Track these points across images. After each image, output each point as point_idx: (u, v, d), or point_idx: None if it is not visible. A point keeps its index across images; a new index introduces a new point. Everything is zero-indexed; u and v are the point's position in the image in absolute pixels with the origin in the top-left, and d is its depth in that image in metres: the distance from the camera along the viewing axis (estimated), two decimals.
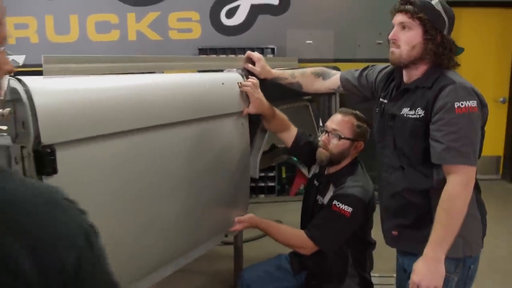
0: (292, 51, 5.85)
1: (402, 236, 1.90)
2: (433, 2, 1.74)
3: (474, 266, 1.83)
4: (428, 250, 1.69)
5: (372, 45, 5.59)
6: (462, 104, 1.66)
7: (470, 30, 6.05)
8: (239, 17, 5.92)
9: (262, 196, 5.86)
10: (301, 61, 5.71)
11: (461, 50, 1.81)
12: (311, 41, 5.90)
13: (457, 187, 1.66)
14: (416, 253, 1.80)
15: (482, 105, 1.71)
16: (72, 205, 0.72)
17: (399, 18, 1.77)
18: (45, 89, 1.24)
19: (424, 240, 1.75)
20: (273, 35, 5.85)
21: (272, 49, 5.72)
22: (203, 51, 5.73)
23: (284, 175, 6.01)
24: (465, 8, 5.94)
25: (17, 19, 5.91)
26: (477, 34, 6.08)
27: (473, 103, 1.67)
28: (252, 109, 2.14)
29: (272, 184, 5.89)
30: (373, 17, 5.52)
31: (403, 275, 1.97)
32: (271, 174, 5.86)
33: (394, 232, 1.92)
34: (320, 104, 3.47)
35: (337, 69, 3.12)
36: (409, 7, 1.73)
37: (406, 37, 1.75)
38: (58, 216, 0.70)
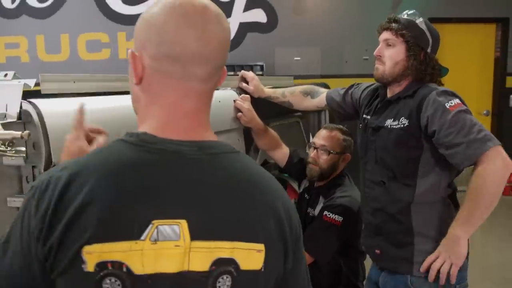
0: (280, 68, 5.98)
1: (384, 255, 1.93)
2: (417, 21, 1.83)
3: (461, 285, 1.83)
4: (454, 228, 1.71)
5: (359, 61, 5.73)
6: (451, 102, 1.73)
7: (453, 45, 6.23)
8: None
9: None
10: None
11: (445, 70, 1.90)
12: (299, 58, 6.04)
13: (498, 169, 1.65)
14: (396, 272, 1.86)
15: (465, 105, 1.77)
16: None
17: (384, 35, 1.86)
18: (56, 111, 1.31)
19: (406, 260, 1.81)
20: (262, 52, 5.98)
21: (261, 66, 5.83)
22: None
23: None
24: (447, 24, 6.13)
25: (8, 39, 5.97)
26: (460, 49, 6.27)
27: (458, 101, 1.74)
28: (243, 120, 2.21)
29: None
30: (359, 33, 5.67)
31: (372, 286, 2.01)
32: None
33: (377, 251, 1.95)
34: (310, 120, 3.56)
35: (326, 85, 3.24)
36: (394, 25, 1.82)
37: (390, 54, 1.83)
38: (283, 190, 0.94)
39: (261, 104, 2.36)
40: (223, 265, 0.81)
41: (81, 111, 1.06)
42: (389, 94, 1.92)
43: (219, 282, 0.81)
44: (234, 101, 2.21)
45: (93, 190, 0.78)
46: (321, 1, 6.03)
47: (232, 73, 5.86)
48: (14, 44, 5.98)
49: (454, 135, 1.68)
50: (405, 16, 1.85)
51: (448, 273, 1.73)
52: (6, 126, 1.23)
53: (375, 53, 1.88)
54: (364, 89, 2.12)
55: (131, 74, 0.89)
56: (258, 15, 6.02)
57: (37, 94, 1.41)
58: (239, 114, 2.18)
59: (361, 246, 2.22)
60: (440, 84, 1.90)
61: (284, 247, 0.89)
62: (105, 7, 5.93)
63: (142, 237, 0.77)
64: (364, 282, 2.11)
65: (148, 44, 0.85)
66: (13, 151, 1.09)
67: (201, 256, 0.80)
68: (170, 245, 0.78)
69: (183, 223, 0.79)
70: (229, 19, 6.00)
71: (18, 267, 0.82)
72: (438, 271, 1.74)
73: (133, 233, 0.78)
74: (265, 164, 3.22)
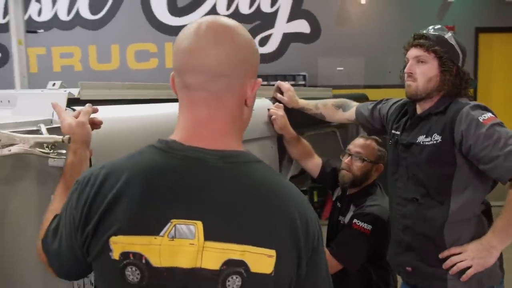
0: (323, 78, 6.02)
1: (417, 273, 1.89)
2: (446, 36, 1.81)
3: None
4: (490, 236, 1.70)
5: None
6: (484, 116, 1.70)
7: (502, 54, 6.08)
8: (271, 45, 6.14)
9: None
10: (332, 87, 5.88)
11: (474, 82, 1.89)
12: (342, 68, 6.05)
13: None
14: None
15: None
16: None
17: (414, 52, 1.83)
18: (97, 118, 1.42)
19: (439, 278, 1.78)
20: (304, 62, 6.04)
21: (304, 76, 5.89)
22: None
23: (316, 199, 6.07)
24: (497, 33, 6.00)
25: (63, 49, 6.31)
26: (509, 57, 6.10)
27: (491, 114, 1.72)
28: (276, 127, 2.26)
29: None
30: (403, 43, 5.60)
31: None
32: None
33: (408, 268, 1.91)
34: (348, 130, 3.58)
35: (365, 96, 3.25)
36: (423, 41, 1.80)
37: (422, 70, 1.81)
38: (305, 200, 0.99)
39: (296, 113, 2.42)
40: (233, 266, 0.87)
41: (90, 106, 1.27)
42: (419, 111, 1.90)
43: (228, 281, 0.87)
44: (268, 109, 2.28)
45: (123, 188, 0.89)
46: (364, 11, 6.03)
47: (273, 83, 5.96)
48: (68, 54, 6.32)
49: (491, 148, 1.66)
50: (433, 32, 1.83)
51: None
52: (52, 130, 1.35)
53: (406, 70, 1.86)
54: (392, 104, 2.10)
55: None
56: (302, 26, 6.09)
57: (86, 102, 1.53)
58: (273, 117, 2.24)
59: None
60: (470, 96, 1.88)
61: (298, 255, 0.93)
62: (153, 18, 6.17)
63: (161, 234, 0.86)
64: None
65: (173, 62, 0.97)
66: (55, 154, 1.20)
67: (213, 255, 0.87)
68: (185, 243, 0.86)
69: (199, 224, 0.86)
70: (273, 30, 6.11)
71: (65, 250, 0.97)
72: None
73: (154, 229, 0.86)
74: (303, 173, 3.26)
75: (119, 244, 0.87)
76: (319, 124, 2.82)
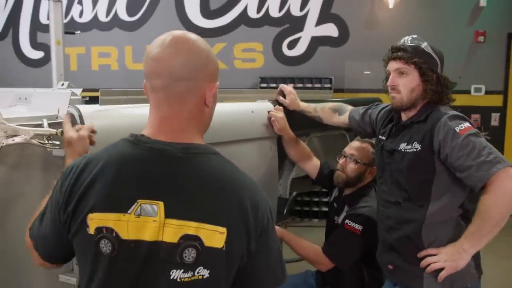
0: (350, 81, 6.07)
1: (397, 271, 2.00)
2: (423, 46, 1.88)
3: None
4: (463, 240, 1.78)
5: None
6: (461, 126, 1.79)
7: None
8: (300, 48, 6.24)
9: (316, 220, 6.03)
10: (359, 91, 5.94)
11: (454, 85, 1.95)
12: (369, 72, 6.08)
13: (507, 190, 1.69)
14: (409, 286, 1.94)
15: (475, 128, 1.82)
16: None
17: (394, 65, 1.90)
18: (95, 115, 1.60)
19: (417, 276, 1.88)
20: (332, 65, 6.10)
21: (330, 79, 5.95)
22: (264, 80, 6.08)
23: None
24: None
25: (101, 49, 6.64)
26: None
27: (468, 124, 1.80)
28: (276, 127, 2.39)
29: (326, 209, 6.04)
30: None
31: None
32: (325, 199, 6.03)
33: (390, 266, 2.02)
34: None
35: (379, 99, 3.32)
36: (401, 53, 1.87)
37: (404, 82, 1.88)
38: (257, 188, 1.15)
39: (301, 115, 2.55)
40: (189, 240, 1.03)
41: (91, 123, 1.50)
42: (403, 118, 1.98)
43: (185, 253, 1.03)
44: (268, 111, 2.41)
45: (98, 173, 1.07)
46: (392, 15, 6.04)
47: (301, 85, 6.07)
48: (106, 53, 6.64)
49: (465, 158, 1.74)
50: (409, 43, 1.89)
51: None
52: (55, 125, 1.54)
53: (389, 83, 1.93)
54: (381, 110, 2.19)
55: None
56: (330, 29, 6.16)
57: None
58: (272, 119, 2.38)
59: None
60: (452, 101, 1.94)
61: (247, 233, 1.09)
62: (187, 20, 6.40)
63: (129, 211, 1.04)
64: None
65: None
66: (51, 144, 1.39)
67: (172, 230, 1.03)
68: (149, 220, 1.03)
69: (161, 204, 1.04)
70: (301, 33, 6.21)
71: (50, 231, 1.14)
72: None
73: (123, 207, 1.04)
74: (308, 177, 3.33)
75: (94, 220, 1.04)
76: (327, 126, 2.92)
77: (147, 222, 1.03)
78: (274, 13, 6.25)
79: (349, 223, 2.29)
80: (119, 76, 6.46)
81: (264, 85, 6.00)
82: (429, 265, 1.83)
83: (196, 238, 1.04)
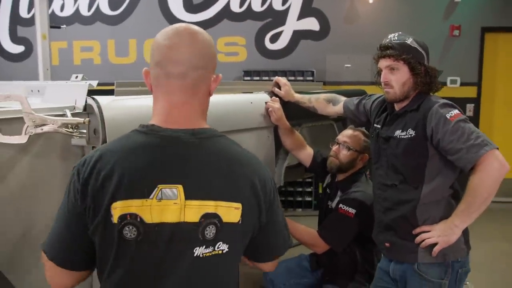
0: (331, 74, 6.22)
1: (393, 248, 2.14)
2: (408, 42, 2.02)
3: (462, 270, 2.05)
4: (453, 217, 1.94)
5: None
6: (451, 113, 1.94)
7: (507, 53, 6.22)
8: (282, 42, 6.36)
9: (300, 210, 6.18)
10: (340, 83, 6.10)
11: (440, 72, 2.10)
12: (349, 65, 6.25)
13: (493, 170, 1.84)
14: (404, 261, 2.08)
15: (464, 114, 1.98)
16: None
17: (384, 62, 2.05)
18: (112, 106, 1.69)
19: (411, 251, 2.03)
20: (313, 59, 6.24)
21: (312, 72, 6.09)
22: (247, 73, 6.18)
23: (320, 191, 6.30)
24: (502, 33, 6.13)
25: (84, 43, 6.62)
26: None
27: (457, 111, 1.96)
28: (273, 118, 2.51)
29: (309, 199, 6.21)
30: None
31: (384, 276, 2.22)
32: (308, 190, 6.19)
33: (387, 244, 2.16)
34: (347, 123, 3.80)
35: (363, 91, 3.47)
36: (390, 51, 2.01)
37: (396, 78, 2.03)
38: (262, 164, 1.26)
39: (294, 106, 2.67)
40: (209, 218, 1.12)
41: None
42: (396, 108, 2.13)
43: (206, 230, 1.12)
44: (266, 102, 2.53)
45: (115, 163, 1.11)
46: (372, 10, 6.21)
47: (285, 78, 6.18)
48: (88, 47, 6.63)
49: (455, 142, 1.90)
50: (396, 40, 2.04)
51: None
52: (74, 115, 1.62)
53: (382, 79, 2.08)
54: (374, 100, 2.34)
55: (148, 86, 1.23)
56: (311, 23, 6.29)
57: (109, 92, 1.80)
58: (270, 109, 2.50)
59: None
60: (441, 88, 2.10)
61: (258, 207, 1.20)
62: (170, 14, 6.44)
63: (151, 197, 1.09)
64: (376, 271, 2.32)
65: (150, 60, 1.19)
66: (78, 133, 1.48)
67: (193, 211, 1.11)
68: (170, 203, 1.10)
69: (180, 187, 1.10)
70: (283, 27, 6.33)
71: (66, 228, 1.15)
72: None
73: (144, 193, 1.09)
74: (301, 164, 3.47)
75: (118, 209, 1.08)
76: (316, 116, 3.05)
77: (168, 205, 1.09)
78: (257, 7, 6.34)
79: (343, 207, 2.43)
80: (102, 70, 6.46)
81: (248, 78, 6.10)
82: (423, 240, 1.99)
83: (215, 216, 1.12)
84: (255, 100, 2.48)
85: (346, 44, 6.23)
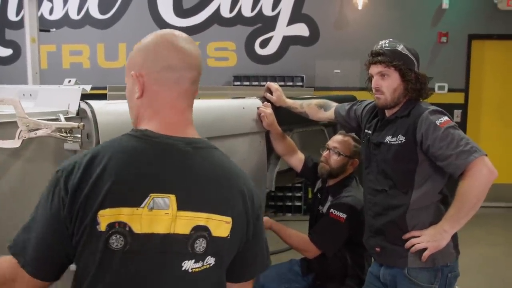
0: (320, 80, 6.26)
1: (383, 252, 2.16)
2: (399, 48, 2.04)
3: (452, 274, 2.07)
4: (443, 222, 1.96)
5: None
6: (441, 120, 1.97)
7: (493, 61, 6.32)
8: (272, 48, 6.39)
9: (289, 214, 6.19)
10: (329, 89, 6.14)
11: (430, 79, 2.12)
12: (338, 71, 6.29)
13: (482, 176, 1.87)
14: (394, 266, 2.10)
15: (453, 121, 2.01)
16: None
17: (375, 69, 2.07)
18: (105, 111, 1.69)
19: (401, 256, 2.05)
20: (303, 64, 6.28)
21: (302, 78, 6.12)
22: (237, 78, 6.20)
23: (310, 196, 6.33)
24: (488, 40, 6.23)
25: (73, 47, 6.59)
26: (500, 64, 6.35)
27: (447, 118, 1.99)
28: (265, 123, 2.52)
29: (299, 204, 6.23)
30: None
31: (374, 280, 2.23)
32: (298, 195, 6.21)
33: (377, 249, 2.18)
34: (338, 128, 3.82)
35: (353, 97, 3.50)
36: (381, 58, 2.03)
37: (387, 84, 2.05)
38: (249, 178, 1.23)
39: (285, 112, 2.69)
40: (200, 230, 1.08)
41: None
42: (387, 114, 2.15)
43: (196, 243, 1.08)
44: (258, 108, 2.54)
45: (106, 168, 1.05)
46: (361, 16, 6.27)
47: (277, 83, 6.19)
48: (77, 51, 6.60)
49: (445, 148, 1.93)
50: (387, 46, 2.06)
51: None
52: (68, 120, 1.62)
53: (373, 85, 2.10)
54: (365, 106, 2.36)
55: (131, 90, 1.17)
56: (301, 29, 6.33)
57: (99, 96, 1.80)
58: (262, 115, 2.51)
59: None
60: (431, 94, 2.13)
61: (247, 221, 1.17)
62: (159, 19, 6.43)
63: (142, 205, 1.04)
64: (367, 275, 2.34)
65: (147, 63, 1.14)
66: (72, 137, 1.47)
67: (184, 222, 1.07)
68: (161, 213, 1.05)
69: (172, 197, 1.06)
70: (273, 33, 6.36)
71: (44, 235, 1.06)
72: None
73: (136, 202, 1.04)
74: (291, 169, 3.49)
75: (106, 217, 1.02)
76: (307, 121, 3.07)
77: (159, 215, 1.05)
78: (247, 12, 6.37)
79: (334, 211, 2.45)
80: (91, 74, 6.43)
81: (238, 83, 6.11)
82: (413, 245, 2.00)
83: (206, 229, 1.08)
84: (247, 106, 2.49)
85: (336, 50, 6.28)
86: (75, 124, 1.46)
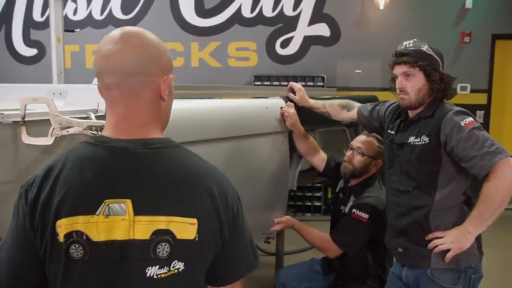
0: (341, 80, 6.24)
1: (406, 253, 2.15)
2: (423, 49, 2.03)
3: (475, 275, 2.06)
4: (467, 223, 1.95)
5: None
6: (465, 120, 1.96)
7: None
8: (292, 48, 6.40)
9: (309, 214, 6.20)
10: (350, 89, 6.12)
11: (455, 79, 2.11)
12: (359, 71, 6.27)
13: (507, 178, 1.86)
14: (417, 267, 2.10)
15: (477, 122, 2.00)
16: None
17: (400, 69, 2.06)
18: None
19: (424, 257, 2.04)
20: (324, 64, 6.27)
21: (322, 78, 6.11)
22: (258, 78, 6.22)
23: (329, 196, 6.32)
24: None
25: (96, 47, 6.64)
26: None
27: (471, 119, 1.98)
28: (288, 123, 2.54)
29: (319, 204, 6.23)
30: None
31: (397, 281, 2.23)
32: (317, 195, 6.20)
33: (400, 249, 2.18)
34: (359, 129, 3.82)
35: (375, 97, 3.49)
36: (406, 58, 2.02)
37: (412, 84, 2.04)
38: (223, 176, 1.15)
39: (307, 111, 2.71)
40: (161, 234, 1.03)
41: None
42: (411, 115, 2.14)
43: (159, 248, 1.03)
44: (281, 107, 2.56)
45: (59, 179, 1.04)
46: (383, 16, 6.23)
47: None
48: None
49: (469, 149, 1.92)
50: (411, 47, 2.04)
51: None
52: (98, 118, 1.66)
53: (397, 86, 2.09)
54: (388, 107, 2.36)
55: None
56: (322, 29, 6.32)
57: None
58: (285, 114, 2.53)
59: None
60: (455, 94, 2.12)
61: (219, 221, 1.09)
62: (181, 19, 6.50)
63: (97, 213, 1.01)
64: (389, 276, 2.34)
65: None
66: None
67: (143, 227, 1.02)
68: (118, 219, 1.02)
69: (128, 202, 1.02)
70: (294, 33, 6.37)
71: (17, 249, 1.07)
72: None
73: (90, 209, 1.01)
74: (313, 169, 3.50)
75: (63, 227, 1.01)
76: (328, 122, 3.08)
77: (116, 222, 1.01)
78: (268, 12, 6.39)
79: (356, 212, 2.45)
80: None
81: (258, 83, 6.14)
82: (436, 246, 2.00)
83: (168, 232, 1.03)
84: (270, 105, 2.51)
85: (357, 50, 6.25)
86: (105, 122, 1.50)
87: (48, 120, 1.49)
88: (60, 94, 1.97)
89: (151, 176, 1.05)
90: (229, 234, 1.12)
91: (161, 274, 1.03)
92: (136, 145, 1.07)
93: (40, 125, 1.51)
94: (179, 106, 1.99)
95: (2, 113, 1.48)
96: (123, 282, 1.03)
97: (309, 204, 6.22)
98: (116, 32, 1.09)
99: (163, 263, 1.03)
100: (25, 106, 1.48)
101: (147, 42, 1.10)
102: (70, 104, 1.88)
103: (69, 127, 1.46)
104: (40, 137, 1.49)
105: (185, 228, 1.04)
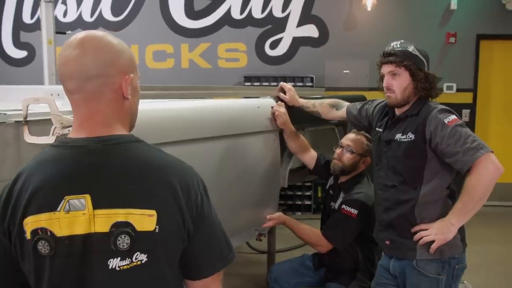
0: (330, 80, 6.33)
1: (393, 245, 2.25)
2: (409, 49, 2.13)
3: (459, 266, 2.16)
4: (450, 215, 2.05)
5: None
6: (449, 118, 2.05)
7: (501, 60, 6.37)
8: (281, 48, 6.48)
9: (299, 213, 6.26)
10: (338, 89, 6.21)
11: (440, 79, 2.21)
12: (348, 71, 6.37)
13: (488, 172, 1.96)
14: (404, 258, 2.19)
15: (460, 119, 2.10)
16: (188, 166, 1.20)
17: (387, 68, 2.16)
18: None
19: (410, 248, 2.13)
20: (312, 65, 6.36)
21: (311, 78, 6.20)
22: (248, 79, 6.29)
23: (319, 195, 6.40)
24: (496, 40, 6.27)
25: None
26: (508, 64, 6.39)
27: (454, 117, 2.08)
28: (279, 121, 2.62)
29: (309, 202, 6.30)
30: None
31: (384, 272, 2.31)
32: (307, 193, 6.28)
33: (387, 242, 2.26)
34: (348, 128, 3.90)
35: (363, 97, 3.58)
36: (392, 58, 2.12)
37: (398, 83, 2.14)
38: (188, 169, 1.18)
39: (297, 111, 2.78)
40: (120, 227, 1.06)
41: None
42: (397, 113, 2.23)
43: (119, 240, 1.06)
44: (272, 107, 2.63)
45: (26, 181, 1.10)
46: (370, 17, 6.33)
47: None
48: None
49: (453, 145, 2.02)
50: (398, 48, 2.14)
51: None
52: None
53: (384, 84, 2.18)
54: (376, 105, 2.45)
55: None
56: (310, 30, 6.42)
57: None
58: (276, 113, 2.60)
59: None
60: (440, 93, 2.22)
61: (181, 214, 1.11)
62: (171, 21, 6.55)
63: (58, 209, 1.06)
64: (377, 268, 2.42)
65: None
66: None
67: (102, 220, 1.06)
68: (79, 214, 1.06)
69: (87, 196, 1.06)
70: (283, 34, 6.45)
71: None
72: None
73: (52, 206, 1.06)
74: (304, 167, 3.56)
75: (29, 224, 1.06)
76: (318, 121, 3.16)
77: (77, 217, 1.05)
78: (257, 14, 6.46)
79: (346, 207, 2.53)
80: None
81: (248, 84, 6.20)
82: (421, 238, 2.09)
83: (127, 224, 1.06)
84: (262, 105, 2.58)
85: (345, 50, 6.35)
86: None
87: (50, 119, 1.54)
88: (58, 95, 2.02)
89: (109, 170, 1.09)
90: (194, 226, 1.14)
91: (123, 265, 1.06)
92: (95, 142, 1.10)
93: (41, 125, 1.56)
94: (174, 106, 2.07)
95: (4, 113, 1.53)
96: (88, 274, 1.06)
97: (300, 203, 6.29)
98: (75, 37, 1.12)
99: (125, 255, 1.06)
100: (27, 106, 1.53)
101: (103, 44, 1.12)
102: (68, 104, 1.93)
103: (70, 126, 1.51)
104: (42, 136, 1.54)
105: (144, 219, 1.07)
